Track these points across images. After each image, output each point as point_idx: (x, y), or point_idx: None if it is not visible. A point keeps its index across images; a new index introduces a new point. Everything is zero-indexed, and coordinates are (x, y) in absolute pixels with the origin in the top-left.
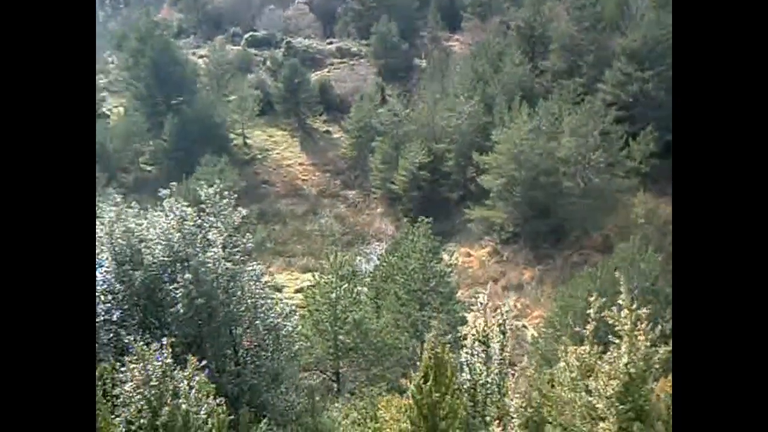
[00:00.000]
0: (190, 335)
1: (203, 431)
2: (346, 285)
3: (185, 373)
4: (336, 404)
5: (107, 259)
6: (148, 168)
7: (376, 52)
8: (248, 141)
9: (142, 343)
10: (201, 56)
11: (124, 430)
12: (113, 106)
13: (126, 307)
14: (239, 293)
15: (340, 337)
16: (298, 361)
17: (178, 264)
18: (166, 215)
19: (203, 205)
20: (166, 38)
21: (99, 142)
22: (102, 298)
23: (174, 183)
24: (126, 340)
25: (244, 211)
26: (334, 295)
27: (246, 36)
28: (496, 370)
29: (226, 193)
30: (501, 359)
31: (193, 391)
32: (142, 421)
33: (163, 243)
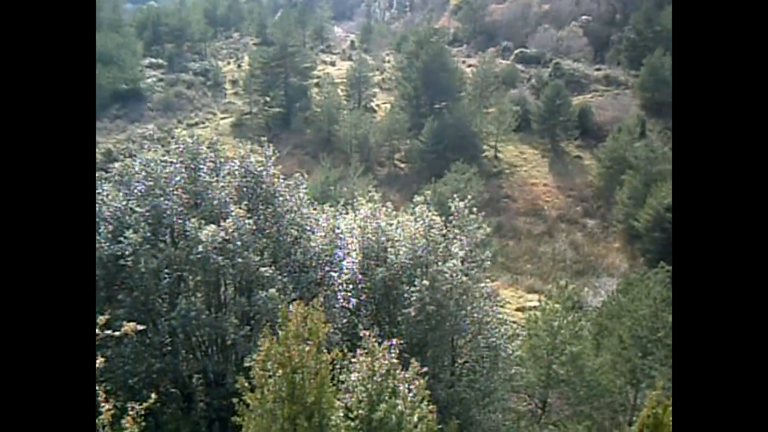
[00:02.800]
0: (416, 338)
1: None
2: (571, 317)
3: (406, 375)
4: None
5: (355, 251)
6: (401, 165)
7: (644, 84)
8: (499, 154)
9: (373, 339)
10: (469, 65)
11: (342, 414)
12: (382, 102)
13: (362, 298)
14: (469, 307)
15: (554, 366)
16: (512, 384)
17: (418, 269)
18: (416, 220)
19: (451, 217)
20: (441, 45)
21: (363, 134)
22: (344, 285)
23: (427, 192)
24: (360, 334)
25: (488, 229)
26: (556, 324)
27: (516, 51)
28: None
29: (474, 209)
30: None
31: (411, 394)
32: (360, 411)
33: (408, 246)
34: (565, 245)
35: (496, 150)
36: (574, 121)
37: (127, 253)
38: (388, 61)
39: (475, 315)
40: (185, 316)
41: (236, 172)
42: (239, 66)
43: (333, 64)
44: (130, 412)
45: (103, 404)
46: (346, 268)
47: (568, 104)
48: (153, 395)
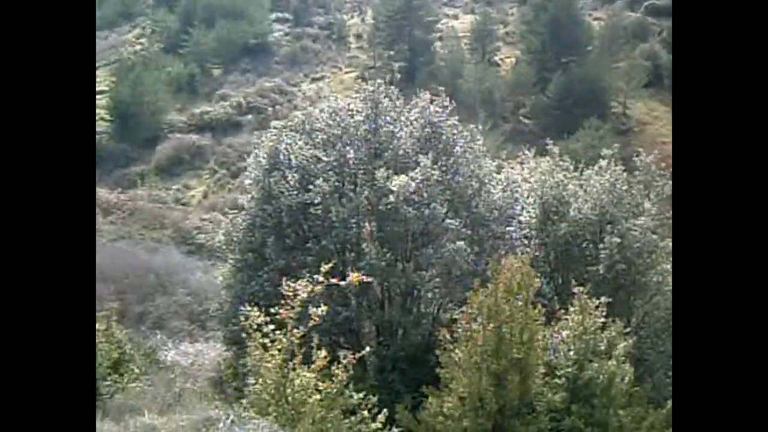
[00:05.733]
0: (602, 297)
1: (621, 395)
2: None
3: (608, 335)
4: None
5: (531, 205)
6: (526, 121)
7: None
8: (628, 111)
9: (585, 295)
10: (596, 18)
11: (542, 371)
12: (506, 56)
13: (537, 254)
14: (659, 267)
15: None
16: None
17: (607, 225)
18: (598, 174)
19: (636, 172)
20: None
21: (487, 89)
22: (521, 241)
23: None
24: (575, 290)
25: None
26: None
27: (646, 3)
28: None
29: (663, 165)
30: None
31: (618, 354)
32: (567, 370)
33: (593, 201)
34: None
35: (625, 106)
36: None
37: (316, 201)
38: (512, 14)
39: (654, 277)
40: (373, 265)
41: (416, 123)
42: (363, 20)
43: (456, 17)
44: (344, 361)
45: (317, 351)
46: (524, 223)
47: None
48: (367, 347)
